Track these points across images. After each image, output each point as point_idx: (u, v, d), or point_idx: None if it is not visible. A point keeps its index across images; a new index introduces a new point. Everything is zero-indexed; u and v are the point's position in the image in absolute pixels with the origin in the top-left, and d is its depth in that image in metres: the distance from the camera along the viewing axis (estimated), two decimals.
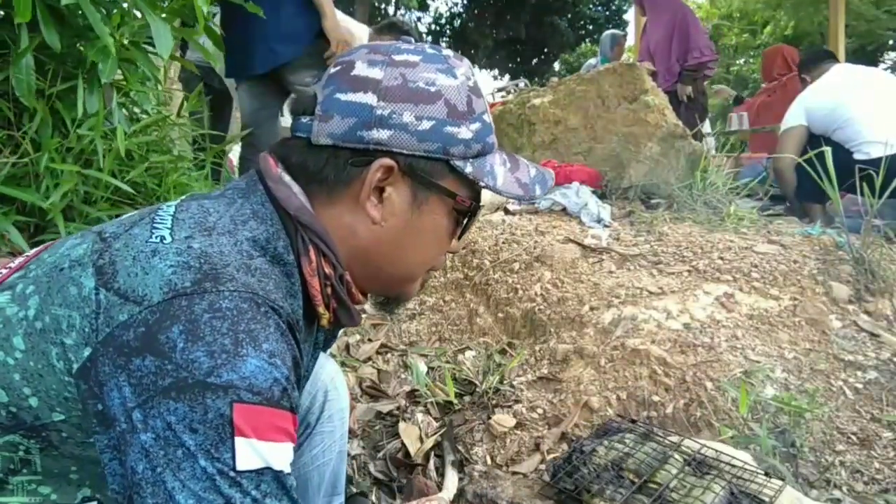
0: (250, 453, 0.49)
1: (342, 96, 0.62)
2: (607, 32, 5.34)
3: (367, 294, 0.74)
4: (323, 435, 0.93)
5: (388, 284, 0.73)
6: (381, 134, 0.62)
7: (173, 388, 0.48)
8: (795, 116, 2.86)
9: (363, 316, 2.14)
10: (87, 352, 0.52)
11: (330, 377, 0.95)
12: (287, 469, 0.53)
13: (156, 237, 0.57)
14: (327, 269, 0.66)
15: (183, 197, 0.68)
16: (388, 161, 0.63)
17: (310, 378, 0.87)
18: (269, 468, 0.50)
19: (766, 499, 1.03)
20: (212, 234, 0.58)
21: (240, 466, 0.49)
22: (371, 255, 0.68)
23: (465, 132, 0.65)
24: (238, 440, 0.49)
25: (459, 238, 0.74)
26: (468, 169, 0.66)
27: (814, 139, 2.77)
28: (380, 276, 0.71)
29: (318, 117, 0.63)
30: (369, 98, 0.62)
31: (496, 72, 19.27)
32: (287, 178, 0.65)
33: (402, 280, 0.73)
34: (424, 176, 0.65)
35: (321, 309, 0.67)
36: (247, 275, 0.56)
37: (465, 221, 0.72)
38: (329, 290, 0.67)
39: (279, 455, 0.52)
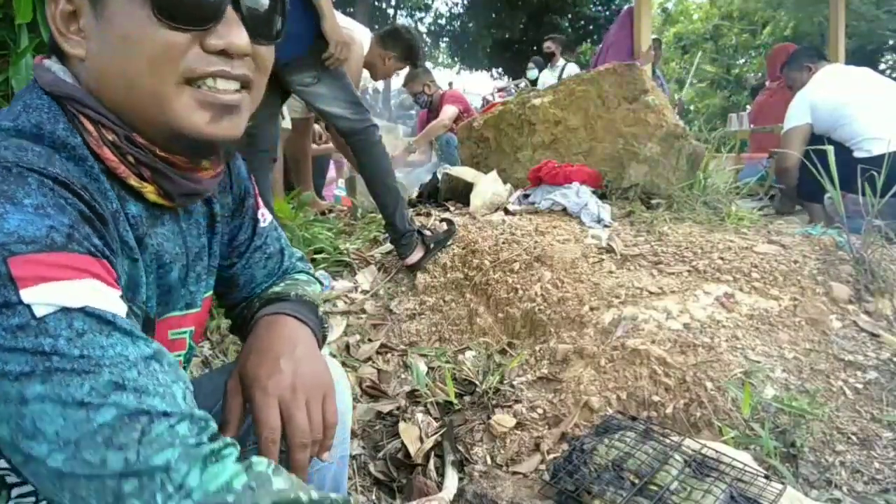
0: (43, 298, 0.47)
1: None
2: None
3: (171, 149, 0.62)
4: None
5: (152, 119, 0.59)
6: None
7: None
8: (799, 114, 2.84)
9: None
10: None
11: (334, 379, 0.94)
12: (106, 306, 0.50)
13: None
14: (109, 136, 0.59)
15: None
16: None
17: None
18: (74, 308, 0.48)
19: (766, 503, 1.02)
20: None
21: (38, 314, 0.47)
22: (114, 98, 0.59)
23: None
24: (24, 291, 0.47)
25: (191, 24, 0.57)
26: None
27: (814, 138, 2.77)
28: (137, 114, 0.60)
29: None
30: None
31: (496, 72, 19.27)
32: (48, 62, 0.62)
33: (152, 103, 0.58)
34: None
35: (134, 181, 0.61)
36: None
37: None
38: (130, 158, 0.60)
39: (78, 292, 0.49)
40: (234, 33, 0.59)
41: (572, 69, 5.81)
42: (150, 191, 0.63)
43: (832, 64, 3.03)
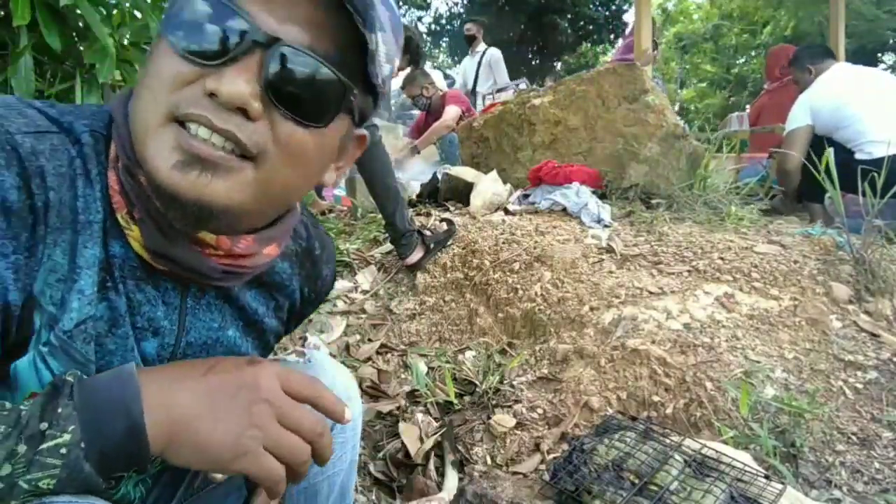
0: None
1: None
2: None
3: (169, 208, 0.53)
4: (335, 446, 0.85)
5: (140, 154, 0.52)
6: None
7: None
8: (801, 116, 2.85)
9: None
10: None
11: (344, 387, 0.89)
12: None
13: None
14: (120, 161, 0.54)
15: None
16: None
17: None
18: None
19: (766, 503, 1.02)
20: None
21: None
22: (132, 128, 0.53)
23: None
24: None
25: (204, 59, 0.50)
26: None
27: (815, 139, 2.77)
28: (137, 148, 0.53)
29: None
30: None
31: None
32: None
33: (140, 133, 0.52)
34: None
35: (121, 218, 0.55)
36: None
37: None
38: (131, 194, 0.54)
39: None
40: (233, 79, 0.49)
41: (493, 54, 5.47)
42: (134, 234, 0.55)
43: (839, 64, 3.00)
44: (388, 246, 2.44)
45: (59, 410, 0.46)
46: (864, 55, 10.71)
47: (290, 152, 0.53)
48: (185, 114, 0.49)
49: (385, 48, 0.54)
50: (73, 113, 0.56)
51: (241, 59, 0.50)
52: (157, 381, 0.51)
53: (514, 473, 1.35)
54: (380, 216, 2.39)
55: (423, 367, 1.77)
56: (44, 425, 0.45)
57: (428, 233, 2.32)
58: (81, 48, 1.47)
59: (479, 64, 5.55)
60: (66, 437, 0.45)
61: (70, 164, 0.53)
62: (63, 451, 0.45)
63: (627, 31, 5.09)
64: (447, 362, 1.82)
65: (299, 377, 0.57)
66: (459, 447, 1.46)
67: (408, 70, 4.49)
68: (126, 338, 0.58)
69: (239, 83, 0.49)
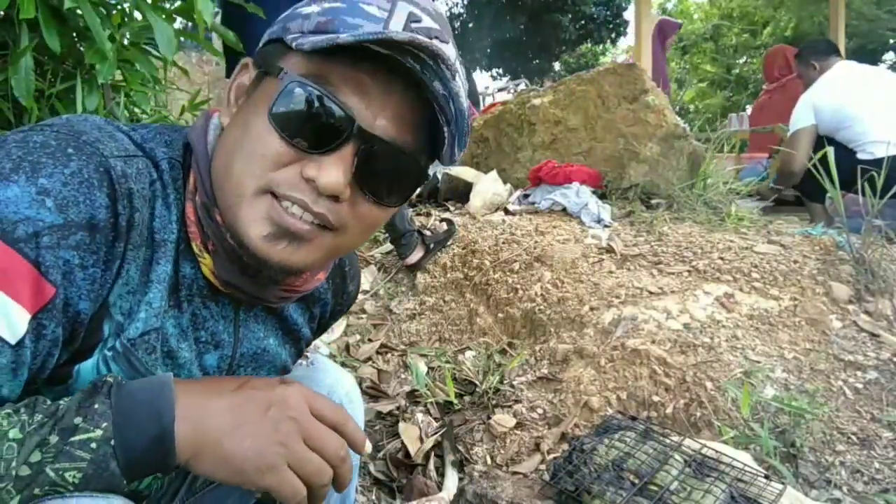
0: None
1: None
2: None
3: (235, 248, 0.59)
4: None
5: (226, 209, 0.57)
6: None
7: None
8: (805, 116, 2.85)
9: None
10: None
11: (345, 391, 0.89)
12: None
13: None
14: (198, 198, 0.59)
15: None
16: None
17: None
18: None
19: (766, 503, 1.02)
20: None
21: None
22: (216, 173, 0.58)
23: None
24: None
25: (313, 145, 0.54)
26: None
27: (817, 139, 2.77)
28: (221, 198, 0.58)
29: None
30: None
31: (496, 72, 19.27)
32: (216, 117, 0.63)
33: (232, 195, 0.56)
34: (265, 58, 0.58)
35: (195, 246, 0.60)
36: (87, 130, 0.53)
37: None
38: (205, 227, 0.59)
39: None
40: (331, 171, 0.54)
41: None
42: (206, 262, 0.61)
43: (843, 61, 3.00)
44: (388, 246, 2.44)
45: (96, 407, 0.48)
46: (864, 55, 10.70)
47: (366, 225, 0.60)
48: (285, 194, 0.55)
49: (461, 126, 0.58)
50: (154, 140, 0.60)
51: (337, 151, 0.54)
52: (192, 393, 0.53)
53: (514, 473, 1.35)
54: None
55: (423, 367, 1.77)
56: (78, 419, 0.47)
57: (428, 233, 2.32)
58: (82, 48, 1.47)
59: None
60: (98, 432, 0.47)
61: (151, 186, 0.57)
62: (93, 445, 0.46)
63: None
64: (447, 362, 1.82)
65: (327, 402, 0.59)
66: (459, 447, 1.46)
67: None
68: (190, 351, 0.63)
69: (337, 175, 0.54)
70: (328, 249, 0.59)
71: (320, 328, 0.86)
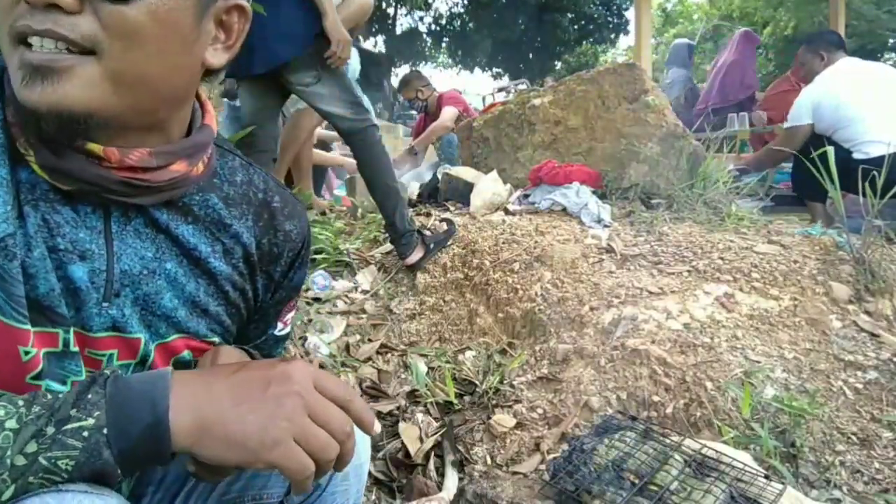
0: None
1: None
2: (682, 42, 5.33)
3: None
4: (335, 496, 0.77)
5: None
6: None
7: None
8: (803, 114, 2.86)
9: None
10: None
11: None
12: None
13: None
14: (7, 89, 0.55)
15: None
16: None
17: None
18: None
19: (766, 503, 1.03)
20: None
21: None
22: None
23: None
24: None
25: None
26: None
27: (815, 138, 2.77)
28: None
29: None
30: None
31: (496, 72, 19.28)
32: None
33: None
34: None
35: (20, 143, 0.56)
36: None
37: None
38: (22, 119, 0.55)
39: None
40: None
41: None
42: (32, 158, 0.56)
43: (846, 59, 3.00)
44: (388, 246, 2.44)
45: (89, 397, 0.48)
46: (864, 55, 10.68)
47: (124, 35, 0.51)
48: (18, 32, 0.50)
49: None
50: None
51: None
52: (190, 382, 0.52)
53: (514, 473, 1.35)
54: (380, 216, 2.39)
55: (423, 367, 1.77)
56: (73, 410, 0.47)
57: (428, 233, 2.32)
58: None
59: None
60: (90, 420, 0.47)
61: None
62: (85, 433, 0.46)
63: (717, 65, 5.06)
64: (447, 362, 1.82)
65: (332, 378, 0.57)
66: (459, 447, 1.46)
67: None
68: (43, 259, 0.57)
69: None
70: (103, 80, 0.52)
71: (261, 274, 0.74)
